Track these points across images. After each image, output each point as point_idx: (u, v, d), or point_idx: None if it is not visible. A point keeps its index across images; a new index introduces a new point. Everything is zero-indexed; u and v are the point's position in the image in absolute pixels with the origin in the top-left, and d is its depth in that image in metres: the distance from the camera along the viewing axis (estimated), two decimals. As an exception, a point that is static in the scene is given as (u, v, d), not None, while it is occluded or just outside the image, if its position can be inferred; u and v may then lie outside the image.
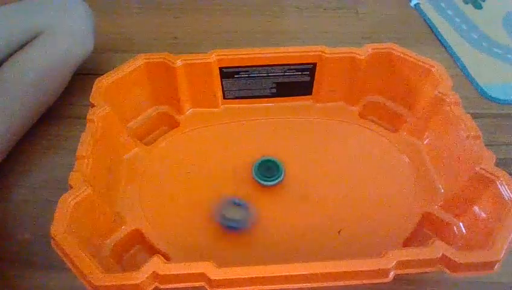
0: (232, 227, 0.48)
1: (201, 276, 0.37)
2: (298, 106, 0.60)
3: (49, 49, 0.61)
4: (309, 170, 0.53)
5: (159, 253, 0.42)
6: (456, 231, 0.47)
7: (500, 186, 0.43)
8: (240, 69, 0.57)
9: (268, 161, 0.52)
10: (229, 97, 0.59)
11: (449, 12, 0.84)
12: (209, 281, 0.37)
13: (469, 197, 0.46)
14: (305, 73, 0.58)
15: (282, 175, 0.51)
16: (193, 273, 0.37)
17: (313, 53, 0.56)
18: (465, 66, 0.72)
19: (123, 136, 0.54)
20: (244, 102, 0.60)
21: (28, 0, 0.66)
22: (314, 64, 0.57)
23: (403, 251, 0.38)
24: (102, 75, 0.53)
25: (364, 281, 0.38)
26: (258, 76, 0.58)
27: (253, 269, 0.37)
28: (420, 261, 0.38)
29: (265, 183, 0.51)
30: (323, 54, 0.56)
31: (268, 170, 0.51)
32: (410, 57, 0.55)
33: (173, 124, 0.58)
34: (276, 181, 0.51)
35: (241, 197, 0.49)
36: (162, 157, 0.55)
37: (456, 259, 0.38)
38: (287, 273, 0.37)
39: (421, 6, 0.85)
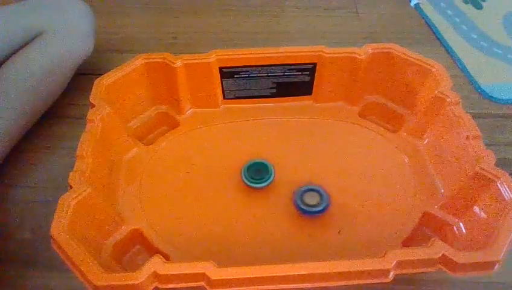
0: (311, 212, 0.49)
1: (201, 276, 0.37)
2: (298, 106, 0.60)
3: (50, 49, 0.61)
4: (309, 170, 0.53)
5: (159, 253, 0.42)
6: (456, 231, 0.47)
7: (500, 186, 0.43)
8: (240, 69, 0.57)
9: (258, 163, 0.52)
10: (229, 97, 0.59)
11: (449, 12, 0.84)
12: (209, 281, 0.37)
13: (469, 197, 0.46)
14: (305, 73, 0.58)
15: (272, 177, 0.51)
16: (193, 273, 0.37)
17: (313, 53, 0.56)
18: (465, 66, 0.72)
19: (123, 136, 0.54)
20: (244, 102, 0.60)
21: (28, 0, 0.66)
22: (314, 64, 0.57)
23: (403, 251, 0.38)
24: (102, 75, 0.53)
25: (364, 281, 0.38)
26: (258, 76, 0.58)
27: (253, 269, 0.37)
28: (420, 261, 0.38)
29: (254, 185, 0.50)
30: (323, 54, 0.56)
31: (258, 172, 0.51)
32: (410, 57, 0.55)
33: (173, 124, 0.58)
34: (266, 183, 0.50)
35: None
36: (162, 157, 0.55)
37: (456, 259, 0.38)
38: (287, 273, 0.37)
39: (421, 6, 0.85)
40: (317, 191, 0.50)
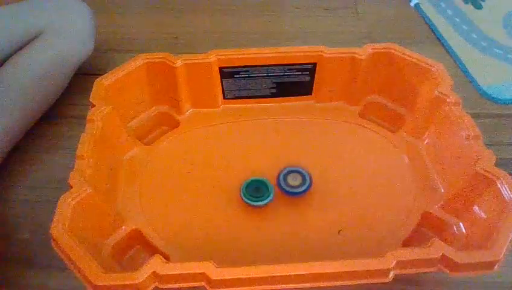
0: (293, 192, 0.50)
1: (201, 276, 0.37)
2: (298, 106, 0.60)
3: (50, 49, 0.61)
4: (308, 170, 0.53)
5: (159, 253, 0.42)
6: (456, 231, 0.47)
7: (500, 186, 0.43)
8: (239, 69, 0.57)
9: (257, 181, 0.51)
10: (229, 97, 0.59)
11: (449, 12, 0.84)
12: (209, 281, 0.37)
13: (469, 197, 0.46)
14: (305, 73, 0.58)
15: (272, 195, 0.50)
16: (193, 273, 0.37)
17: (313, 53, 0.56)
18: (465, 66, 0.72)
19: (123, 136, 0.54)
20: (244, 102, 0.60)
21: (28, 0, 0.66)
22: (314, 64, 0.57)
23: (403, 251, 0.38)
24: (102, 75, 0.53)
25: (365, 281, 0.38)
26: (258, 76, 0.58)
27: (253, 269, 0.37)
28: (420, 261, 0.38)
29: (255, 203, 0.49)
30: (323, 54, 0.56)
31: (257, 190, 0.50)
32: (410, 57, 0.55)
33: (173, 124, 0.58)
34: (266, 201, 0.49)
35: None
36: (162, 157, 0.55)
37: (456, 259, 0.38)
38: (287, 273, 0.37)
39: (421, 6, 0.85)
40: (300, 173, 0.51)
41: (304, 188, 0.50)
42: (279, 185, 0.50)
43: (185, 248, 0.46)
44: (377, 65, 0.57)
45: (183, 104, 0.58)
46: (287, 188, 0.50)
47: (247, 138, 0.57)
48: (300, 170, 0.51)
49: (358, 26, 0.81)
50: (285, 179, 0.51)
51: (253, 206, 0.49)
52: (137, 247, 0.47)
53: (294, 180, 0.50)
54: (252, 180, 0.51)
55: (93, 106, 0.51)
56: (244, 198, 0.49)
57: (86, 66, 0.66)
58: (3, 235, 0.51)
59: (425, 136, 0.55)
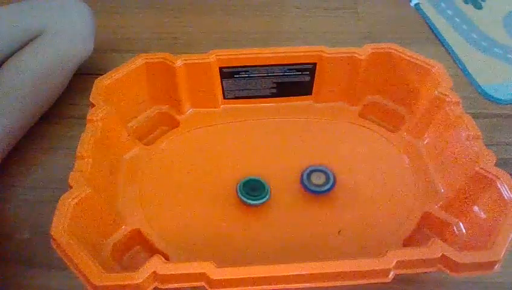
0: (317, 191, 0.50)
1: (201, 276, 0.37)
2: (298, 106, 0.60)
3: (50, 49, 0.61)
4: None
5: (159, 253, 0.42)
6: (456, 231, 0.47)
7: (500, 186, 0.43)
8: (239, 69, 0.57)
9: (254, 180, 0.51)
10: (229, 97, 0.59)
11: (449, 12, 0.84)
12: (209, 281, 0.37)
13: (469, 197, 0.46)
14: (305, 73, 0.58)
15: (268, 195, 0.50)
16: (193, 273, 0.37)
17: (313, 53, 0.56)
18: (465, 66, 0.72)
19: (123, 136, 0.54)
20: (244, 102, 0.60)
21: (28, 0, 0.66)
22: (314, 64, 0.57)
23: (403, 251, 0.38)
24: (102, 75, 0.54)
25: (364, 281, 0.38)
26: (258, 76, 0.58)
27: (253, 269, 0.37)
28: (420, 261, 0.38)
29: (251, 202, 0.49)
30: (323, 54, 0.56)
31: (253, 189, 0.50)
32: (410, 57, 0.55)
33: (173, 124, 0.58)
34: (263, 200, 0.49)
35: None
36: (162, 157, 0.55)
37: (456, 259, 0.38)
38: (287, 273, 0.37)
39: (421, 6, 0.85)
40: (324, 172, 0.51)
41: (328, 186, 0.50)
42: (302, 183, 0.51)
43: (184, 248, 0.46)
44: (377, 65, 0.57)
45: (183, 104, 0.58)
46: (312, 187, 0.50)
47: (247, 138, 0.57)
48: (324, 169, 0.52)
49: (358, 26, 0.81)
50: (309, 177, 0.51)
51: (250, 205, 0.49)
52: (137, 247, 0.47)
53: (318, 179, 0.51)
54: (249, 179, 0.51)
55: (93, 106, 0.51)
56: (241, 196, 0.49)
57: (86, 66, 0.66)
58: (3, 235, 0.51)
59: (425, 136, 0.55)
